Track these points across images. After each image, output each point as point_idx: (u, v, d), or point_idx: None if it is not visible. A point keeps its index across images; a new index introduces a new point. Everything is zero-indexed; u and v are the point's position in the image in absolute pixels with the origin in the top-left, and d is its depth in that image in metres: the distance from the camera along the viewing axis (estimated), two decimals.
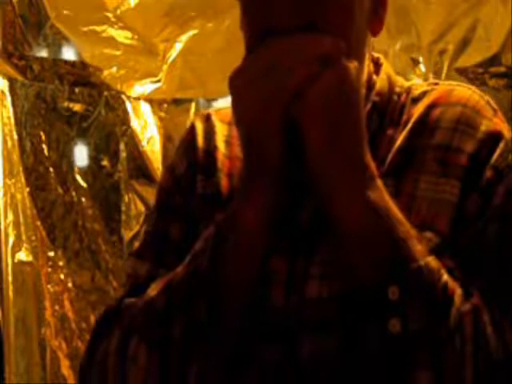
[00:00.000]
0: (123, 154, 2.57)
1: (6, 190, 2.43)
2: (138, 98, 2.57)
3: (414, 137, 1.01)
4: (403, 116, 1.03)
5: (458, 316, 0.89)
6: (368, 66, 1.05)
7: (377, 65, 1.07)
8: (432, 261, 0.91)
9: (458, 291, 0.91)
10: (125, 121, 2.57)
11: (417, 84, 1.08)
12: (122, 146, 2.57)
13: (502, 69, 2.52)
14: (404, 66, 2.56)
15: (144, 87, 2.56)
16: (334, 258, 0.94)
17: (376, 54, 1.09)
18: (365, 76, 1.03)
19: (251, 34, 0.98)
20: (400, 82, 1.08)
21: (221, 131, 1.10)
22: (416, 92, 1.05)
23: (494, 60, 2.52)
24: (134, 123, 2.57)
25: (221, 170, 1.07)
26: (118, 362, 0.99)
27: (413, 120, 1.02)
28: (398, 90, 1.06)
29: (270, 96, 0.90)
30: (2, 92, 2.45)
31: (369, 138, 0.95)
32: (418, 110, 1.03)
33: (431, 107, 1.02)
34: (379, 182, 0.92)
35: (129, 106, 2.57)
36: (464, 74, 2.54)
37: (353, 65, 0.91)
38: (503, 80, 2.52)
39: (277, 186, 0.94)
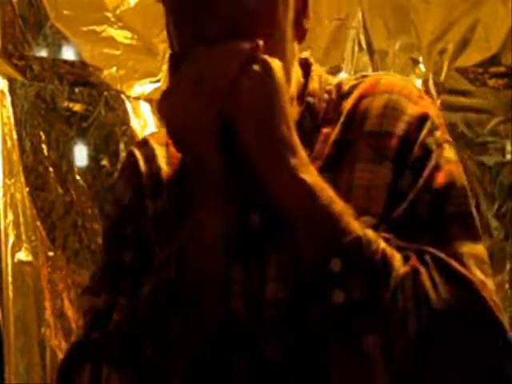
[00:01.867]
0: (123, 154, 2.56)
1: (6, 190, 2.43)
2: (137, 98, 2.57)
3: (346, 129, 1.05)
4: (335, 112, 1.07)
5: (398, 279, 0.94)
6: (297, 71, 1.09)
7: (306, 65, 1.12)
8: (369, 232, 0.96)
9: (397, 256, 0.95)
10: (125, 121, 2.57)
11: (345, 78, 1.13)
12: (121, 146, 2.57)
13: (502, 69, 2.52)
14: (404, 66, 2.56)
15: (144, 87, 2.56)
16: (286, 254, 0.99)
17: (304, 55, 1.13)
18: (294, 81, 1.07)
19: (180, 43, 1.03)
20: (330, 79, 1.12)
21: (160, 153, 1.14)
22: (345, 87, 1.09)
23: (493, 60, 2.52)
24: (134, 123, 2.57)
25: (167, 192, 1.09)
26: None
27: (344, 114, 1.06)
28: (328, 87, 1.10)
29: (204, 101, 0.95)
30: (2, 92, 2.45)
31: (303, 137, 1.00)
32: (348, 103, 1.07)
33: (360, 99, 1.07)
34: (312, 168, 0.98)
35: (128, 105, 2.57)
36: (464, 73, 2.54)
37: (274, 61, 0.97)
38: (503, 80, 2.52)
39: (225, 192, 0.98)
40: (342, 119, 1.06)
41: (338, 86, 1.10)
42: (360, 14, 2.52)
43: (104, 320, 1.04)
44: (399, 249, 0.96)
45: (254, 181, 0.98)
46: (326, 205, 0.96)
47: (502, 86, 2.52)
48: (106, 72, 2.52)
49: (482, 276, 0.97)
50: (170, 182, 1.10)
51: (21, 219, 2.45)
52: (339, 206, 0.96)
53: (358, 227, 0.96)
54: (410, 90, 1.07)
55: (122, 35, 2.52)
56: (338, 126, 1.06)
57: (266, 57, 0.97)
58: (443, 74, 2.54)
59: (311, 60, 1.13)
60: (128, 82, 2.55)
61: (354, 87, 1.09)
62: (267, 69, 0.96)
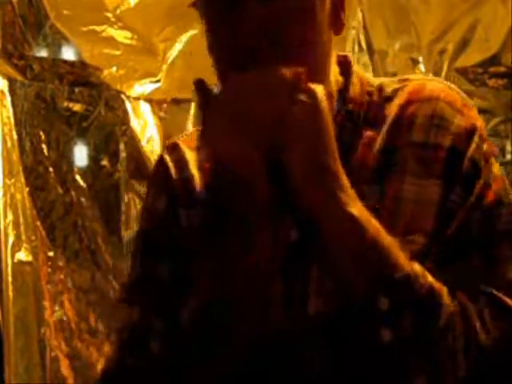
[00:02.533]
0: (123, 154, 2.57)
1: (6, 190, 2.43)
2: (137, 98, 2.57)
3: (391, 137, 1.03)
4: (378, 115, 1.05)
5: (447, 316, 0.92)
6: (334, 69, 1.07)
7: (345, 64, 1.09)
8: (416, 266, 0.93)
9: (444, 290, 0.93)
10: (124, 121, 2.57)
11: (386, 81, 1.10)
12: (121, 146, 2.57)
13: (502, 69, 2.52)
14: (404, 66, 2.57)
15: (144, 87, 2.56)
16: (328, 275, 0.97)
17: (342, 53, 1.11)
18: (333, 81, 1.05)
19: (219, 56, 1.01)
20: (371, 80, 1.10)
21: (192, 158, 1.11)
22: (388, 90, 1.07)
23: (493, 60, 2.52)
24: (134, 123, 2.57)
25: (200, 201, 1.07)
26: None
27: (388, 120, 1.04)
28: (368, 89, 1.07)
29: (249, 134, 0.91)
30: (2, 92, 2.45)
31: (345, 144, 0.98)
32: (392, 109, 1.05)
33: (405, 105, 1.04)
34: (358, 202, 0.94)
35: (128, 105, 2.57)
36: (464, 74, 2.54)
37: (319, 88, 0.94)
38: (503, 80, 2.52)
39: (269, 218, 0.95)
40: (386, 126, 1.04)
41: (380, 88, 1.07)
42: (360, 14, 2.52)
43: (139, 343, 1.02)
44: (446, 282, 0.94)
45: (300, 210, 0.95)
46: (374, 240, 0.93)
47: (501, 86, 2.52)
48: (106, 72, 2.52)
49: None
50: (203, 190, 1.08)
51: (21, 219, 2.45)
52: (387, 239, 0.93)
53: (406, 261, 0.93)
54: (455, 97, 1.05)
55: (122, 35, 2.52)
56: (383, 133, 1.03)
57: (311, 85, 0.93)
58: (443, 74, 2.54)
59: (350, 58, 1.10)
60: (128, 82, 2.55)
61: (396, 91, 1.06)
62: (314, 99, 0.93)
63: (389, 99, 1.06)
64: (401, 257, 0.93)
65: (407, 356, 0.92)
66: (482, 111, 2.59)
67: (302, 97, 0.92)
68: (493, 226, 0.99)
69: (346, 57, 1.10)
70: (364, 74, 1.10)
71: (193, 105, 2.60)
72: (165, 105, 2.60)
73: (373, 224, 0.94)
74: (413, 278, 0.92)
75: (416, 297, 0.92)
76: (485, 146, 1.02)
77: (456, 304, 0.93)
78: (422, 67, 2.56)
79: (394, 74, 2.56)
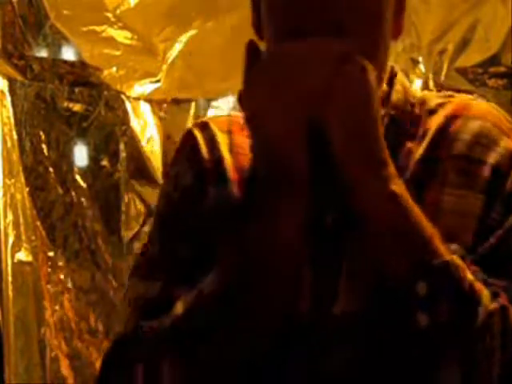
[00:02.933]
0: (123, 154, 2.57)
1: (6, 190, 2.43)
2: (137, 98, 2.57)
3: (433, 148, 1.01)
4: (420, 128, 1.03)
5: (486, 314, 0.90)
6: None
7: (390, 72, 1.06)
8: (457, 259, 0.91)
9: (485, 291, 0.91)
10: (124, 121, 2.57)
11: (430, 95, 1.08)
12: (121, 146, 2.57)
13: (502, 69, 2.52)
14: (404, 66, 2.56)
15: (144, 87, 2.56)
16: (362, 264, 0.94)
17: (389, 63, 1.08)
18: (384, 83, 1.03)
19: (274, 31, 0.98)
20: (413, 91, 1.08)
21: (223, 141, 1.07)
22: (432, 103, 1.05)
23: (493, 60, 2.52)
24: (134, 123, 2.57)
25: (232, 182, 1.03)
26: None
27: (432, 131, 1.02)
28: (412, 100, 1.05)
29: (292, 100, 0.89)
30: (2, 92, 2.45)
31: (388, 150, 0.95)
32: (435, 121, 1.03)
33: (451, 119, 1.02)
34: (400, 181, 0.92)
35: (128, 106, 2.57)
36: (464, 73, 2.54)
37: (369, 64, 0.91)
38: (503, 80, 2.52)
39: (305, 199, 0.92)
40: (429, 136, 1.01)
41: (423, 100, 1.05)
42: None
43: (158, 310, 0.96)
44: (486, 284, 0.92)
45: (340, 187, 0.92)
46: (415, 222, 0.91)
47: (501, 86, 2.52)
48: (106, 72, 2.52)
49: None
50: (233, 173, 1.03)
51: (21, 219, 2.45)
52: (427, 224, 0.91)
53: (446, 252, 0.91)
54: (502, 120, 1.04)
55: (122, 35, 2.52)
56: (425, 143, 1.01)
57: (361, 58, 0.90)
58: (443, 74, 2.54)
59: (396, 68, 1.07)
60: (128, 82, 2.55)
61: (440, 105, 1.04)
62: (362, 71, 0.90)
63: (432, 112, 1.04)
64: (442, 246, 0.91)
65: (443, 344, 0.90)
66: None
67: (350, 68, 0.89)
68: None
69: (392, 67, 1.07)
70: (408, 83, 1.08)
71: (193, 105, 2.60)
72: (165, 105, 2.60)
73: (414, 207, 0.91)
74: (453, 267, 0.90)
75: (455, 286, 0.90)
76: None
77: (497, 306, 0.91)
78: (422, 67, 2.56)
79: None
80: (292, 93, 0.89)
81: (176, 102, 2.60)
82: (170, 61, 2.54)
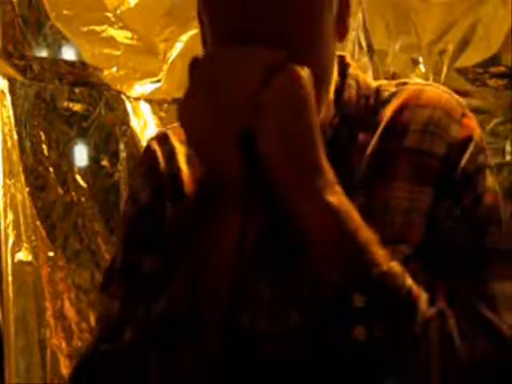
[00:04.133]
0: (123, 154, 2.56)
1: (6, 190, 2.43)
2: (137, 98, 2.57)
3: (384, 141, 1.00)
4: (373, 119, 1.02)
5: (423, 321, 0.89)
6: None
7: (342, 65, 1.06)
8: (395, 266, 0.90)
9: (423, 296, 0.90)
10: (125, 121, 2.57)
11: (384, 84, 1.07)
12: (121, 146, 2.57)
13: (502, 69, 2.52)
14: (404, 66, 2.56)
15: (144, 87, 2.56)
16: (312, 275, 0.94)
17: (340, 53, 1.07)
18: (333, 84, 1.02)
19: (213, 40, 0.98)
20: (367, 82, 1.07)
21: (181, 152, 1.07)
22: (385, 94, 1.05)
23: (493, 60, 2.52)
24: (134, 123, 2.57)
25: (188, 196, 1.04)
26: None
27: (383, 124, 1.01)
28: (365, 92, 1.05)
29: (222, 112, 0.88)
30: (2, 92, 2.45)
31: (340, 147, 0.96)
32: (387, 112, 1.02)
33: (401, 109, 1.02)
34: (338, 188, 0.91)
35: (129, 106, 2.57)
36: (464, 73, 2.54)
37: (303, 71, 0.90)
38: (503, 80, 2.52)
39: (243, 204, 0.92)
40: (380, 129, 1.01)
41: (377, 91, 1.05)
42: (360, 14, 2.52)
43: (116, 331, 0.99)
44: (427, 285, 0.92)
45: (275, 198, 0.92)
46: (351, 231, 0.89)
47: (501, 87, 2.52)
48: (106, 72, 2.52)
49: None
50: (190, 186, 1.04)
51: (21, 219, 2.45)
52: (366, 233, 0.90)
53: (384, 259, 0.89)
54: (453, 105, 1.02)
55: (122, 35, 2.51)
56: (377, 136, 1.01)
57: (293, 66, 0.89)
58: (443, 74, 2.54)
59: (348, 59, 1.07)
60: (128, 82, 2.55)
61: (393, 95, 1.04)
62: (293, 79, 0.88)
63: (385, 103, 1.03)
64: (379, 254, 0.90)
65: (380, 358, 0.89)
66: (481, 111, 2.61)
67: (279, 78, 0.88)
68: (480, 243, 0.96)
69: (343, 57, 1.07)
70: (362, 76, 1.07)
71: None
72: (165, 105, 2.60)
73: (352, 216, 0.90)
74: (389, 277, 0.89)
75: (391, 296, 0.89)
76: (481, 157, 1.00)
77: (434, 311, 0.90)
78: (422, 67, 2.56)
79: (394, 74, 2.56)
80: (221, 104, 0.88)
81: (176, 101, 2.60)
82: (170, 61, 2.54)
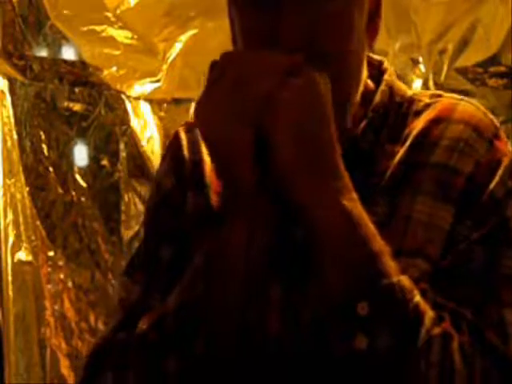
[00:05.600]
0: (123, 154, 2.57)
1: (6, 190, 2.43)
2: (137, 98, 2.57)
3: (413, 152, 0.99)
4: (404, 129, 1.01)
5: (426, 338, 0.88)
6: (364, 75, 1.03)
7: (377, 69, 1.06)
8: (405, 279, 0.89)
9: (430, 313, 0.89)
10: (125, 121, 2.57)
11: (419, 94, 1.06)
12: (121, 146, 2.57)
13: (502, 69, 2.52)
14: (404, 66, 2.56)
15: (144, 87, 2.56)
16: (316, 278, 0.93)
17: (378, 57, 1.07)
18: (362, 87, 1.02)
19: (250, 46, 0.97)
20: (402, 90, 1.06)
21: None
22: (419, 104, 1.03)
23: (493, 60, 2.52)
24: (134, 123, 2.57)
25: (209, 186, 1.04)
26: None
27: (413, 134, 1.00)
28: (398, 99, 1.04)
29: (237, 113, 0.88)
30: (2, 92, 2.45)
31: (363, 153, 0.95)
32: (419, 124, 1.01)
33: (433, 122, 1.00)
34: (354, 194, 0.90)
35: (129, 105, 2.57)
36: (464, 73, 2.54)
37: (321, 75, 0.90)
38: (503, 80, 2.52)
39: (257, 207, 0.92)
40: (410, 140, 1.00)
41: (411, 100, 1.04)
42: None
43: (133, 320, 0.99)
44: (436, 305, 0.90)
45: (288, 201, 0.90)
46: (363, 239, 0.88)
47: (501, 86, 2.52)
48: (106, 72, 2.52)
49: None
50: (210, 176, 1.04)
51: (21, 219, 2.45)
52: (378, 243, 0.89)
53: (395, 271, 0.88)
54: (487, 125, 1.00)
55: (122, 35, 2.52)
56: (406, 147, 0.99)
57: (310, 70, 0.89)
58: (443, 74, 2.54)
59: (385, 65, 1.06)
60: (128, 81, 2.55)
61: (427, 106, 1.02)
62: (310, 82, 0.88)
63: (418, 114, 1.02)
64: (390, 265, 0.89)
65: (378, 368, 0.88)
66: None
67: (296, 80, 0.88)
68: (496, 267, 0.94)
69: (381, 62, 1.06)
70: (398, 83, 1.06)
71: (193, 105, 2.60)
72: (165, 105, 2.60)
73: (366, 224, 0.89)
74: (397, 289, 0.88)
75: (397, 308, 0.88)
76: (510, 183, 0.97)
77: (439, 331, 0.89)
78: (421, 67, 2.56)
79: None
80: (236, 104, 0.88)
81: (176, 101, 2.60)
82: (170, 61, 2.54)
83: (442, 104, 1.03)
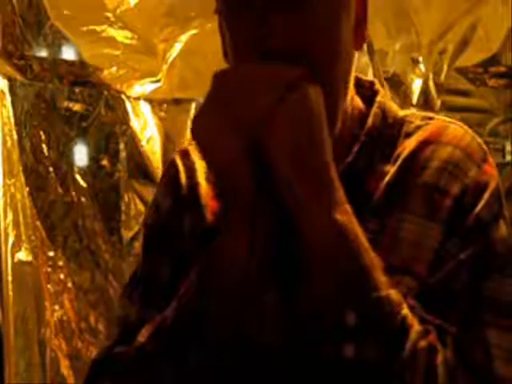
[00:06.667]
0: (123, 154, 2.57)
1: (6, 190, 2.43)
2: (137, 98, 2.57)
3: (403, 173, 1.01)
4: (395, 150, 1.03)
5: (412, 351, 0.89)
6: (353, 95, 1.05)
7: (369, 90, 1.07)
8: (394, 294, 0.91)
9: (417, 327, 0.91)
10: (125, 121, 2.57)
11: (411, 116, 1.08)
12: (121, 146, 2.57)
13: (502, 69, 2.52)
14: (404, 66, 2.56)
15: (144, 87, 2.56)
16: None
17: (369, 79, 1.09)
18: (349, 98, 1.03)
19: (241, 57, 0.98)
20: (393, 111, 1.07)
21: (201, 167, 1.10)
22: (410, 126, 1.05)
23: (493, 60, 2.52)
24: (134, 123, 2.57)
25: (205, 207, 1.06)
26: None
27: (404, 155, 1.02)
28: (390, 121, 1.06)
29: (234, 124, 0.89)
30: (2, 92, 2.45)
31: (356, 175, 0.97)
32: (410, 145, 1.03)
33: (423, 144, 1.02)
34: (348, 207, 0.92)
35: (129, 105, 2.57)
36: (464, 73, 2.54)
37: (315, 89, 0.91)
38: (503, 80, 2.52)
39: (256, 218, 0.92)
40: (400, 161, 1.02)
41: (402, 122, 1.06)
42: None
43: (132, 336, 1.01)
44: (422, 321, 0.92)
45: (285, 215, 0.92)
46: (356, 252, 0.90)
47: (501, 86, 2.52)
48: (105, 72, 2.52)
49: (507, 371, 0.92)
50: (206, 198, 1.07)
51: (21, 219, 2.45)
52: (370, 256, 0.91)
53: (385, 285, 0.90)
54: (475, 148, 1.02)
55: (122, 35, 2.51)
56: (395, 168, 1.01)
57: (307, 85, 0.90)
58: (443, 74, 2.54)
59: (377, 86, 1.08)
60: (128, 81, 2.55)
61: (418, 128, 1.04)
62: (304, 98, 0.90)
63: (409, 135, 1.04)
64: (380, 279, 0.90)
65: (364, 378, 0.90)
66: (482, 111, 2.61)
67: (293, 95, 0.89)
68: (480, 289, 0.96)
69: (372, 83, 1.08)
70: (389, 104, 1.08)
71: (193, 105, 2.60)
72: (165, 105, 2.60)
73: (359, 238, 0.91)
74: (386, 302, 0.89)
75: (384, 321, 0.89)
76: (496, 206, 0.99)
77: (424, 344, 0.90)
78: (421, 67, 2.56)
79: (394, 74, 2.56)
80: (234, 116, 0.89)
81: (176, 101, 2.60)
82: (170, 61, 2.54)
83: (433, 126, 1.05)
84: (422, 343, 0.90)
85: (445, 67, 2.55)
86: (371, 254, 0.91)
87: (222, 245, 0.94)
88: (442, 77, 2.54)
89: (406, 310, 0.91)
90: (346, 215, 0.91)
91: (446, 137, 1.02)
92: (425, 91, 2.56)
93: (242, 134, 0.89)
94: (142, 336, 0.99)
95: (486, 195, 0.99)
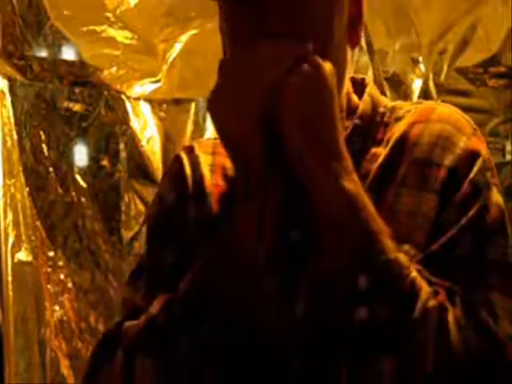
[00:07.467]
0: (123, 154, 2.57)
1: (6, 190, 2.43)
2: (137, 98, 2.57)
3: (395, 153, 1.04)
4: (387, 134, 1.07)
5: (423, 310, 0.92)
6: (347, 85, 1.09)
7: (361, 86, 1.11)
8: (402, 257, 0.94)
9: (426, 288, 0.94)
10: (125, 121, 2.57)
11: (401, 104, 1.12)
12: (121, 146, 2.57)
13: (502, 69, 2.52)
14: (404, 66, 2.57)
15: (144, 87, 2.56)
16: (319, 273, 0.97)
17: (360, 76, 1.13)
18: (344, 92, 1.07)
19: (237, 38, 1.02)
20: (384, 102, 1.11)
21: (205, 161, 1.14)
22: (400, 111, 1.09)
23: (493, 60, 2.52)
24: (134, 123, 2.57)
25: (210, 196, 1.09)
26: (125, 382, 1.00)
27: (394, 137, 1.05)
28: (381, 110, 1.09)
29: (246, 97, 0.93)
30: (2, 92, 2.45)
31: (350, 157, 0.98)
32: (400, 127, 1.06)
33: (413, 124, 1.05)
34: (355, 176, 0.95)
35: (129, 105, 2.57)
36: (464, 73, 2.55)
37: (327, 64, 0.95)
38: (503, 80, 2.52)
39: (266, 189, 0.95)
40: (392, 142, 1.05)
41: (393, 109, 1.10)
42: None
43: (137, 315, 1.03)
44: (430, 283, 0.95)
45: (296, 186, 0.96)
46: (364, 219, 0.94)
47: (501, 86, 2.52)
48: (106, 72, 2.52)
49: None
50: (211, 189, 1.10)
51: (21, 219, 2.45)
52: (378, 223, 0.94)
53: (393, 249, 0.94)
54: (464, 124, 1.06)
55: (122, 35, 2.51)
56: (388, 149, 1.04)
57: (317, 58, 0.94)
58: (443, 74, 2.54)
59: (367, 81, 1.12)
60: (128, 81, 2.55)
61: (408, 112, 1.08)
62: (318, 69, 0.93)
63: (399, 119, 1.07)
64: (388, 243, 0.94)
65: (379, 337, 0.93)
66: (482, 111, 2.61)
67: (305, 66, 0.93)
68: (484, 253, 0.98)
69: (363, 79, 1.13)
70: (378, 95, 1.12)
71: (193, 105, 2.60)
72: (165, 105, 2.60)
73: (366, 203, 0.94)
74: (395, 265, 0.93)
75: (395, 283, 0.92)
76: (489, 174, 1.02)
77: (435, 303, 0.93)
78: (421, 67, 2.56)
79: (394, 74, 2.56)
80: (245, 90, 0.93)
81: (176, 101, 2.60)
82: (170, 61, 2.54)
83: (421, 108, 1.08)
84: (432, 302, 0.93)
85: (445, 67, 2.55)
86: (379, 221, 0.94)
87: (235, 217, 0.97)
88: (442, 77, 2.54)
89: (414, 273, 0.94)
90: (354, 184, 0.94)
91: (436, 116, 1.06)
92: (425, 91, 2.56)
93: (252, 107, 0.92)
94: (154, 308, 1.01)
95: (479, 162, 1.02)
